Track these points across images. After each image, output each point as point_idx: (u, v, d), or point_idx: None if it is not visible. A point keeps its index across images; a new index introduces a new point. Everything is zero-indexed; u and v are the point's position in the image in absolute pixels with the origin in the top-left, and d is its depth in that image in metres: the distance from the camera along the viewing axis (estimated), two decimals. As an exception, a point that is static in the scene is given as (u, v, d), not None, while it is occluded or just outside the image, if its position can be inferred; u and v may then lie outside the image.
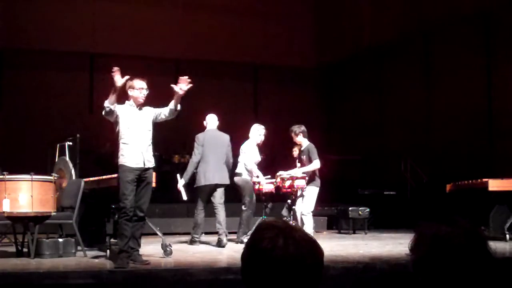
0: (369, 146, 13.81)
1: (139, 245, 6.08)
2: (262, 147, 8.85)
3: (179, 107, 6.11)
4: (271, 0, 15.37)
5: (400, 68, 13.34)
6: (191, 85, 6.09)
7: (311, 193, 8.13)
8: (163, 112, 6.12)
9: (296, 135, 8.54)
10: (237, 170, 8.51)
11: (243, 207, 8.32)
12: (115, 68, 5.74)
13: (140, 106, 6.07)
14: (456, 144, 11.38)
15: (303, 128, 8.54)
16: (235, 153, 8.61)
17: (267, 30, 15.29)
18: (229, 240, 8.76)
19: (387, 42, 13.54)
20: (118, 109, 5.95)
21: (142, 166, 5.92)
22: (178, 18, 14.62)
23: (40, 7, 13.40)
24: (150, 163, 6.03)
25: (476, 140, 11.17)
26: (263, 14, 15.25)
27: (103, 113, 5.87)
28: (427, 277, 1.54)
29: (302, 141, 8.52)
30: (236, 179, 8.45)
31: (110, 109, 5.80)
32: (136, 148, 5.93)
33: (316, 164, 8.29)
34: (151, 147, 6.08)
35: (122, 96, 6.08)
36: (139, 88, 5.99)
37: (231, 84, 14.88)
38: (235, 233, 8.90)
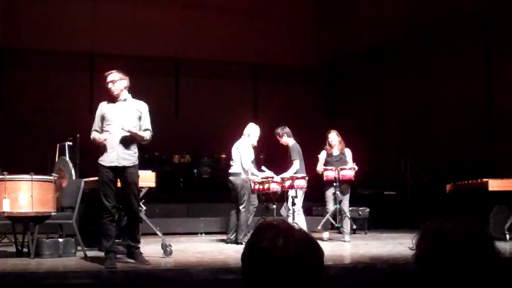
0: (369, 146, 13.81)
1: (139, 241, 5.97)
2: (256, 147, 8.80)
3: (145, 138, 5.92)
4: (271, 0, 15.37)
5: (400, 68, 13.33)
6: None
7: (302, 190, 8.11)
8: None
9: (280, 136, 8.65)
10: (234, 170, 8.37)
11: (241, 208, 8.19)
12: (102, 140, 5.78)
13: (119, 99, 5.90)
14: (456, 144, 11.38)
15: (286, 129, 8.65)
16: (228, 152, 8.62)
17: (267, 30, 15.28)
18: (221, 240, 8.79)
19: (387, 42, 13.53)
20: (102, 107, 5.97)
21: (117, 164, 5.75)
22: (178, 18, 14.61)
23: (40, 7, 13.39)
24: (127, 161, 5.79)
25: (476, 140, 11.17)
26: (263, 14, 15.24)
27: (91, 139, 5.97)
28: (429, 272, 1.54)
29: (288, 141, 8.62)
30: (233, 179, 8.34)
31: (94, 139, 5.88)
32: (110, 146, 5.77)
33: (295, 166, 8.37)
34: (132, 144, 5.84)
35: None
36: (108, 81, 5.92)
37: (231, 84, 14.87)
38: (224, 233, 8.92)
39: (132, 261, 5.88)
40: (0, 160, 8.36)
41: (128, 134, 5.80)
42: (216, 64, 14.71)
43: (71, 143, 8.26)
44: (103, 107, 5.96)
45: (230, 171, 8.46)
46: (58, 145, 8.40)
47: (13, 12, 13.27)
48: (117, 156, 5.76)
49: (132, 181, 5.85)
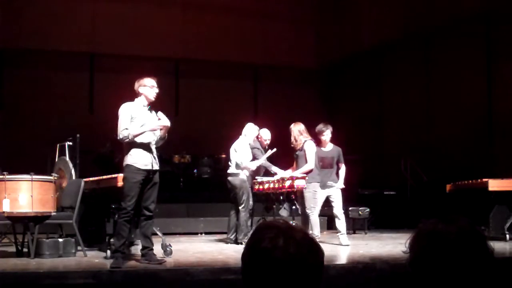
0: (369, 146, 13.81)
1: (152, 244, 6.01)
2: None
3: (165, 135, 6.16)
4: (271, 0, 15.37)
5: (400, 68, 13.34)
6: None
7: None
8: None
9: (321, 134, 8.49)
10: (232, 170, 8.38)
11: (240, 208, 8.19)
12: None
13: (150, 105, 6.05)
14: (456, 144, 11.38)
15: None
16: (228, 152, 8.63)
17: (267, 30, 15.29)
18: (221, 240, 8.79)
19: (387, 42, 13.54)
20: (131, 108, 5.96)
21: (151, 168, 5.92)
22: (178, 18, 14.62)
23: (40, 7, 13.39)
24: (157, 165, 6.05)
25: (476, 140, 11.17)
26: (263, 14, 15.25)
27: (120, 138, 5.89)
28: (424, 274, 1.54)
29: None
30: (231, 179, 8.34)
31: (128, 139, 5.86)
32: (144, 149, 5.91)
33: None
34: (156, 149, 6.10)
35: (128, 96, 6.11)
36: (150, 85, 5.99)
37: (231, 84, 14.88)
38: (224, 233, 8.92)
39: (145, 262, 5.85)
40: (0, 160, 8.36)
41: (157, 138, 6.06)
42: (216, 64, 14.72)
43: (71, 143, 8.26)
44: (133, 108, 5.95)
45: (228, 171, 8.47)
46: (58, 145, 8.40)
47: (13, 12, 13.27)
48: (151, 159, 5.94)
49: (158, 182, 6.04)
